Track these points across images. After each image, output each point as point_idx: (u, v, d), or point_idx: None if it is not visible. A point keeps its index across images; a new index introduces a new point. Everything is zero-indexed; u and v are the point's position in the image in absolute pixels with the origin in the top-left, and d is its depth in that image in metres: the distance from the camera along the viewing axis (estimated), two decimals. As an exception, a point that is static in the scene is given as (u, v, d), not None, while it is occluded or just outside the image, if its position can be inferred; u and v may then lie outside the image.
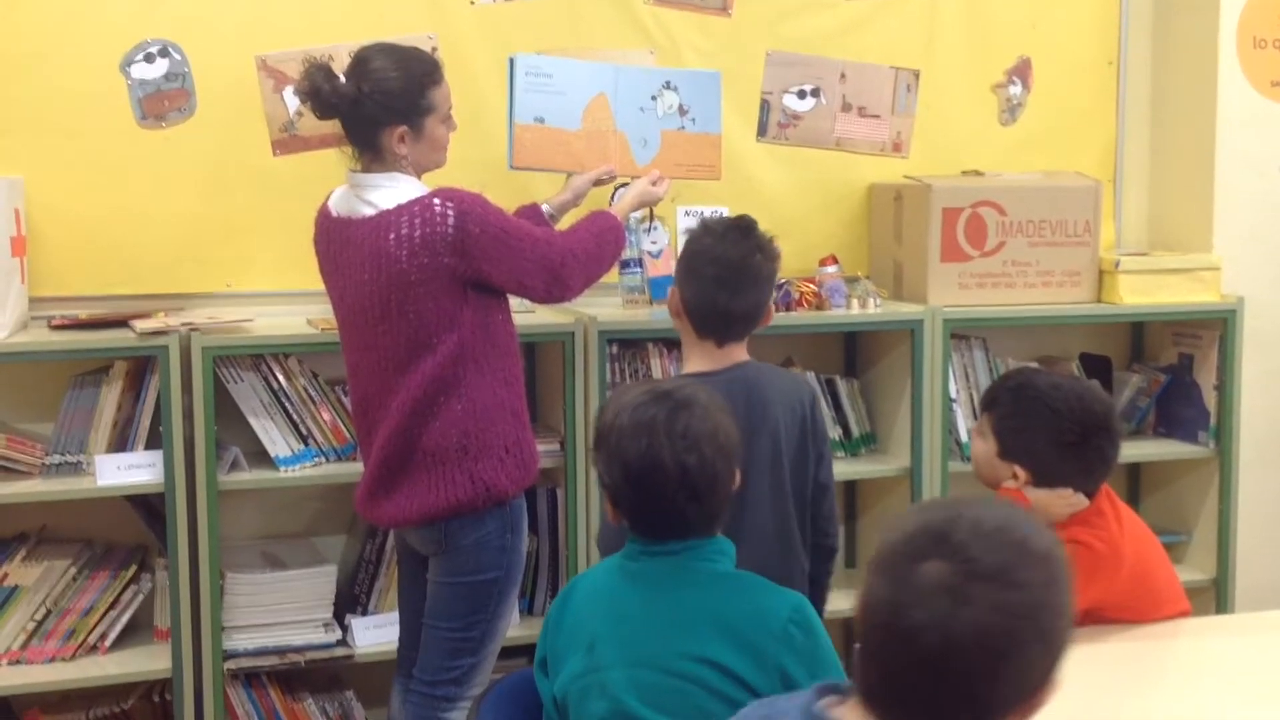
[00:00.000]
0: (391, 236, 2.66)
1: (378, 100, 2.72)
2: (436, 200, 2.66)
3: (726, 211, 3.49)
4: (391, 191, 2.71)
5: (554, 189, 3.21)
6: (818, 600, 2.80)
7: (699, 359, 2.72)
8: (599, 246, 2.86)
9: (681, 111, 3.29)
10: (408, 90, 2.73)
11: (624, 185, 3.25)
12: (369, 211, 2.72)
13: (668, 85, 3.29)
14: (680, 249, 2.79)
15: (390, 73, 2.73)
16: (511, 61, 3.15)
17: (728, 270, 2.66)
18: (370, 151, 2.77)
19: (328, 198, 2.88)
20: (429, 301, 2.66)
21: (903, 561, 1.40)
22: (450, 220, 2.64)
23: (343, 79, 2.74)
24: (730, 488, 2.14)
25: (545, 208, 3.11)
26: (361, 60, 2.77)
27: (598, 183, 3.19)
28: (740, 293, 2.67)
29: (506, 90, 3.16)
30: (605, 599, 2.14)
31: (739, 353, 2.72)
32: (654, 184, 3.15)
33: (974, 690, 1.37)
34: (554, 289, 2.78)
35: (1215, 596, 3.86)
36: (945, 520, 1.41)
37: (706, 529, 2.12)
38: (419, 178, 2.80)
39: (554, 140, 3.17)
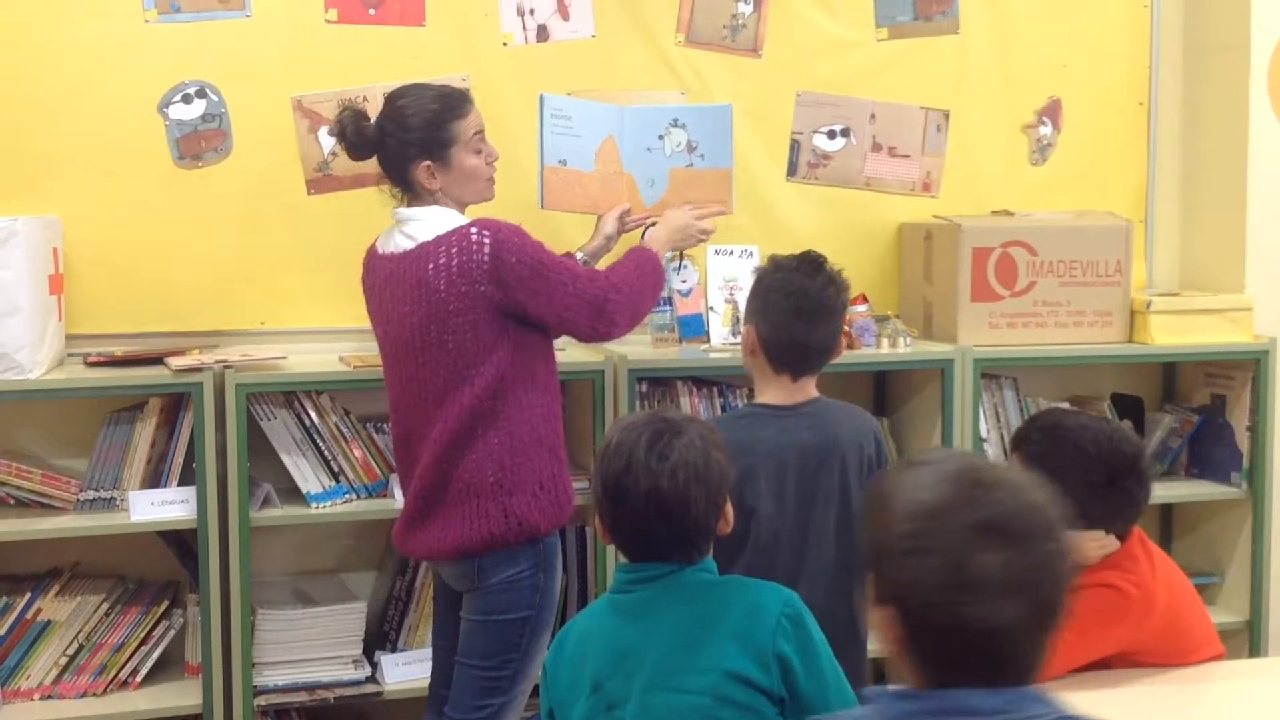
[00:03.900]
0: (430, 266, 2.69)
1: (399, 138, 2.78)
2: (473, 229, 2.69)
3: (757, 251, 3.52)
4: (430, 223, 2.75)
5: (583, 229, 3.23)
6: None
7: (772, 394, 2.74)
8: (640, 280, 2.87)
9: (690, 148, 3.28)
10: (427, 125, 2.78)
11: (654, 225, 3.26)
12: (409, 245, 2.76)
13: (675, 123, 3.28)
14: (751, 288, 2.80)
15: (410, 110, 2.79)
16: (541, 100, 3.18)
17: (805, 302, 2.69)
18: (407, 189, 2.83)
19: (377, 238, 2.91)
20: (468, 331, 2.68)
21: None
22: (486, 249, 2.67)
23: (371, 121, 2.82)
24: (710, 520, 2.15)
25: (579, 255, 3.12)
26: (388, 100, 2.85)
27: (623, 219, 3.19)
28: (817, 324, 2.71)
29: (537, 129, 3.17)
30: (600, 641, 2.15)
31: (811, 388, 2.75)
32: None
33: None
34: (599, 325, 2.79)
35: (1248, 639, 3.82)
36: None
37: (683, 554, 2.14)
38: (462, 211, 2.83)
39: (575, 182, 3.18)
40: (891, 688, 1.50)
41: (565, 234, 3.25)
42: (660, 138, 3.27)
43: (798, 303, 2.69)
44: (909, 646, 1.47)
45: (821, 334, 2.72)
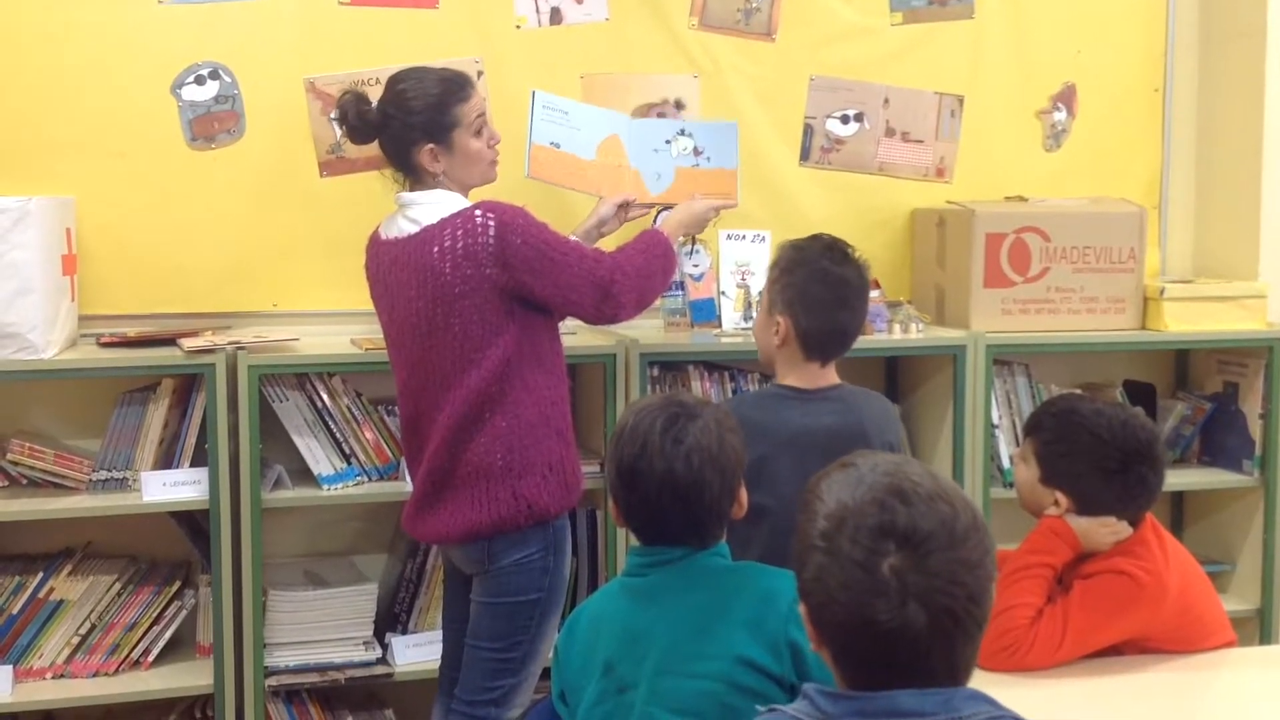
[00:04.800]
0: (435, 249, 2.68)
1: (402, 121, 2.78)
2: (478, 211, 2.69)
3: (770, 236, 3.52)
4: (434, 207, 2.75)
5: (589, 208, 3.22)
6: None
7: (796, 378, 2.73)
8: (647, 263, 2.85)
9: (696, 152, 3.29)
10: (429, 108, 2.77)
11: (666, 210, 3.26)
12: (413, 229, 2.75)
13: (682, 133, 3.29)
14: (777, 277, 2.75)
15: (412, 94, 2.78)
16: (533, 94, 3.17)
17: (847, 291, 2.71)
18: (410, 173, 2.83)
19: (379, 225, 2.91)
20: (474, 314, 2.68)
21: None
22: (491, 230, 2.66)
23: (373, 105, 2.82)
24: (724, 504, 2.14)
25: (571, 238, 3.11)
26: (390, 84, 2.84)
27: (622, 209, 3.18)
28: (858, 311, 2.75)
29: (528, 117, 3.16)
30: (612, 623, 2.16)
31: (833, 373, 2.76)
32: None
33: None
34: (604, 306, 2.77)
35: (1259, 626, 3.82)
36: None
37: (696, 539, 2.13)
38: (465, 194, 2.83)
39: (569, 162, 3.18)
40: (823, 687, 1.51)
41: (580, 216, 3.25)
42: (667, 142, 3.27)
43: (841, 293, 2.69)
44: (821, 645, 1.50)
45: (859, 320, 2.76)
